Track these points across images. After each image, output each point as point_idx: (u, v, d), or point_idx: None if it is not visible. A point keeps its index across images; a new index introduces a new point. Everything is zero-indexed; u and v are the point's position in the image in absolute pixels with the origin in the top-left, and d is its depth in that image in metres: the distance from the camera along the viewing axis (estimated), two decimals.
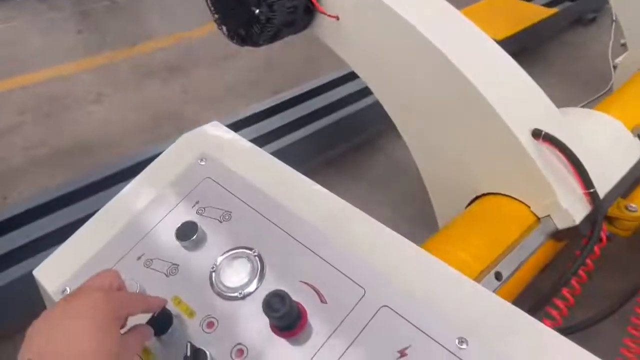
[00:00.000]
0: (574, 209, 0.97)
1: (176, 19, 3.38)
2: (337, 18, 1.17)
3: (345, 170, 2.01)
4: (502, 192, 1.06)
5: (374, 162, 2.06)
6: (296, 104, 2.08)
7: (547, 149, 0.99)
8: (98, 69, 2.89)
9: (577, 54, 2.74)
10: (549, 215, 1.00)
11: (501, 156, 1.03)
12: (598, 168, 1.00)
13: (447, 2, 1.15)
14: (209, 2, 1.25)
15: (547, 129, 0.98)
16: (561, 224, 0.99)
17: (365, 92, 2.01)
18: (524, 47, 2.46)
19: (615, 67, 1.85)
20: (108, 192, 1.60)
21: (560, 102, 1.12)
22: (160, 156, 0.85)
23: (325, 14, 1.17)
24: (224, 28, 1.26)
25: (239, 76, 2.73)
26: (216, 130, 0.86)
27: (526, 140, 0.98)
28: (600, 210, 0.97)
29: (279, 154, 1.77)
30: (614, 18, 1.87)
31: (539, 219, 1.01)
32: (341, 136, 2.07)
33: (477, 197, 1.12)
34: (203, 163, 0.80)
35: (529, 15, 2.64)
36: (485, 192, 1.10)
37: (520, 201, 1.03)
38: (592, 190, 0.96)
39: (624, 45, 1.87)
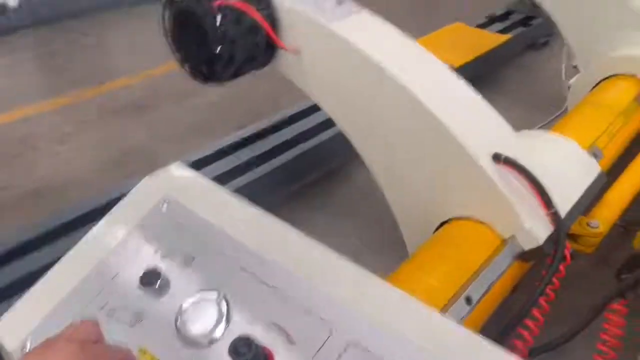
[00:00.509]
0: (537, 230, 0.99)
1: (141, 57, 3.37)
2: (298, 53, 1.18)
3: (312, 202, 2.00)
4: (468, 216, 1.08)
5: (340, 192, 2.06)
6: (261, 138, 2.09)
7: (508, 172, 1.01)
8: (63, 109, 2.86)
9: (532, 77, 2.82)
10: (514, 237, 1.02)
11: (464, 181, 1.05)
12: (558, 188, 1.02)
13: (403, 33, 1.18)
14: (169, 41, 1.25)
15: (506, 152, 1.01)
16: (526, 245, 1.01)
17: (329, 123, 2.03)
18: (480, 73, 2.53)
19: (569, 87, 1.92)
20: (77, 234, 1.56)
21: (518, 124, 1.16)
22: (122, 201, 0.83)
23: (285, 49, 1.19)
24: (187, 66, 1.26)
25: (204, 112, 2.74)
26: (178, 171, 0.85)
27: (487, 164, 1.01)
28: (562, 229, 0.99)
29: (246, 188, 1.79)
30: (565, 41, 1.95)
31: (505, 241, 1.03)
32: (307, 168, 2.07)
33: (443, 222, 1.13)
34: (165, 206, 0.79)
35: (485, 42, 2.73)
36: (451, 217, 1.11)
37: (485, 224, 1.05)
38: (553, 211, 0.99)
39: (575, 67, 1.94)
